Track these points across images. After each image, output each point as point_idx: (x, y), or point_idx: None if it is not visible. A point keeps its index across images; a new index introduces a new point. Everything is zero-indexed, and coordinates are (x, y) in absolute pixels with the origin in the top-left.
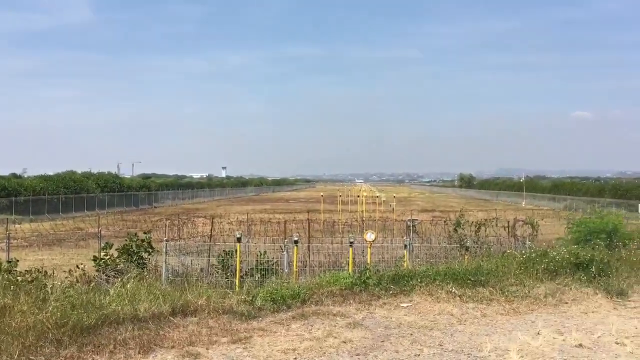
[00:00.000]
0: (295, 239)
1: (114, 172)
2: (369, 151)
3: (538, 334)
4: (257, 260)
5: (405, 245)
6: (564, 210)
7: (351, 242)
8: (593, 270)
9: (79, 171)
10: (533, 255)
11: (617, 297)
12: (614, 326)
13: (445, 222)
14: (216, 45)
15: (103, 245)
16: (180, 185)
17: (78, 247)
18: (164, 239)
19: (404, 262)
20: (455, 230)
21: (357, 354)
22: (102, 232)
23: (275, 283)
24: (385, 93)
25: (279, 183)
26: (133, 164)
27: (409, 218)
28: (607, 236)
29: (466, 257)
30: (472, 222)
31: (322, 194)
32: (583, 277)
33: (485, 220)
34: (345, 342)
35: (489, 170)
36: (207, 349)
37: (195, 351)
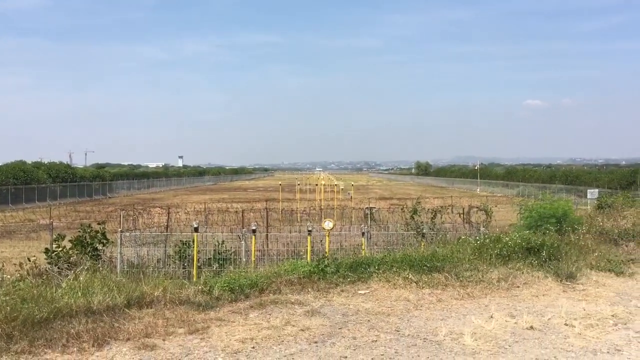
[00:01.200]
0: (254, 228)
1: (65, 162)
2: (328, 140)
3: (491, 317)
4: (215, 250)
5: (363, 233)
6: (516, 196)
7: (309, 231)
8: (544, 254)
9: (29, 161)
10: (487, 241)
11: (566, 280)
12: (563, 308)
13: (402, 209)
14: (171, 32)
15: (55, 237)
16: (136, 175)
17: (29, 239)
18: (119, 229)
19: (362, 249)
20: (412, 217)
21: (315, 342)
22: (54, 223)
23: (233, 273)
24: (345, 82)
25: (237, 172)
26: (86, 153)
27: (367, 206)
28: (557, 221)
29: (423, 244)
30: (429, 209)
31: (280, 182)
32: (534, 261)
33: (441, 207)
34: (303, 330)
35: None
36: (163, 340)
37: (152, 343)
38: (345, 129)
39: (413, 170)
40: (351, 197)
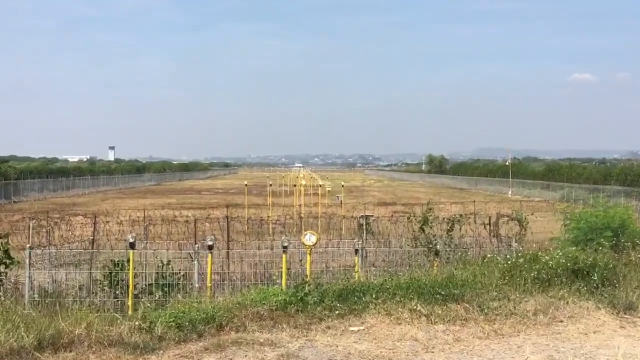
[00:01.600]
0: (210, 243)
1: None
2: (311, 127)
3: None
4: (157, 272)
5: (357, 250)
6: (560, 201)
7: (285, 247)
8: (595, 279)
9: None
10: (520, 260)
11: (624, 313)
12: (620, 350)
13: (409, 218)
14: None
15: None
16: (51, 172)
17: None
18: (27, 245)
19: (355, 272)
20: (422, 229)
21: None
22: None
23: (182, 303)
24: (332, 49)
25: (189, 169)
26: None
27: (362, 214)
28: (614, 235)
29: (435, 264)
30: (444, 218)
31: (246, 182)
32: (583, 287)
33: (461, 215)
34: None
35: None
36: None
37: None
38: (333, 113)
39: (423, 167)
40: (341, 202)
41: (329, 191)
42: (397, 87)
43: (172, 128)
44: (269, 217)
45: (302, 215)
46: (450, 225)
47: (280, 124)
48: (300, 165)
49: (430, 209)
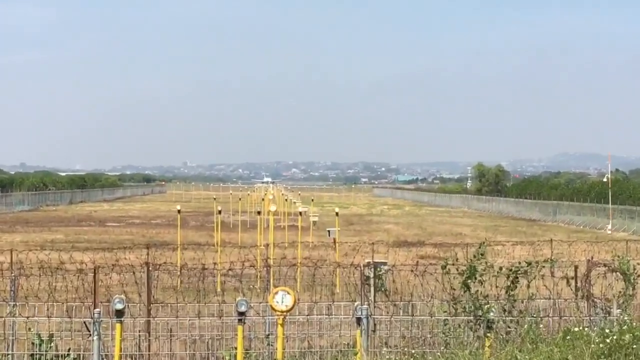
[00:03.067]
0: (120, 306)
1: None
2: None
3: None
4: (32, 355)
5: (360, 320)
6: None
7: (242, 313)
8: None
9: None
10: (626, 337)
11: None
12: None
13: (444, 268)
14: None
15: None
16: None
17: None
18: None
19: (356, 355)
20: (467, 286)
21: None
22: None
23: None
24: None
25: (85, 184)
26: None
27: (369, 261)
28: None
29: (488, 344)
30: (502, 267)
31: (179, 207)
32: None
33: (529, 264)
34: None
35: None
36: None
37: None
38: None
39: (469, 184)
40: (334, 241)
41: (314, 223)
42: (426, 53)
43: (58, 122)
44: (216, 264)
45: (271, 261)
46: (512, 279)
47: (236, 114)
48: (270, 180)
49: (481, 254)
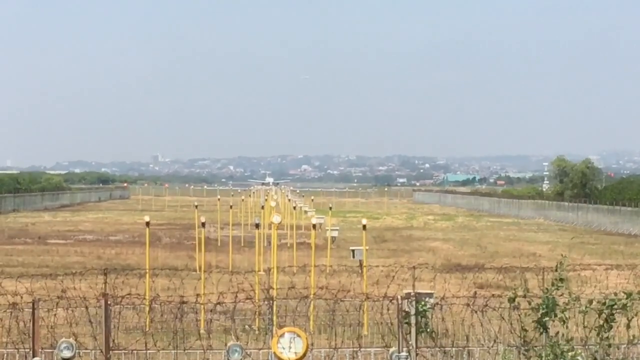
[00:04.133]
0: (67, 353)
1: None
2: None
3: None
4: None
5: None
6: None
7: None
8: None
9: None
10: None
11: None
12: None
13: (512, 301)
14: None
15: None
16: None
17: None
18: None
19: None
20: (542, 325)
21: None
22: None
23: None
24: None
25: (19, 187)
26: None
27: (408, 291)
28: None
29: None
30: (592, 300)
31: (147, 218)
32: None
33: (629, 295)
34: None
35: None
36: None
37: None
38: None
39: (545, 186)
40: (361, 264)
41: (333, 239)
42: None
43: None
44: (199, 296)
45: (275, 292)
46: (606, 317)
47: (224, 94)
48: (271, 180)
49: (562, 280)
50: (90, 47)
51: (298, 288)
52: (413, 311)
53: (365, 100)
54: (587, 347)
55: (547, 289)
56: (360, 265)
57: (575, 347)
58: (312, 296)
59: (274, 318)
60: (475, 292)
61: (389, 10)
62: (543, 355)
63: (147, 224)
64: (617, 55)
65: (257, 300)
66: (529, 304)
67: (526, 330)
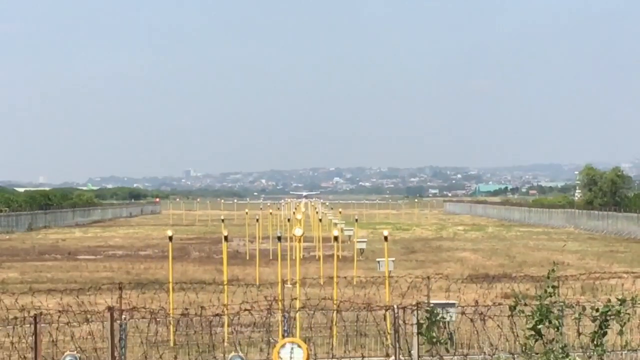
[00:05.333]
0: None
1: None
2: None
3: None
4: None
5: None
6: None
7: None
8: None
9: None
10: None
11: None
12: None
13: (513, 309)
14: None
15: None
16: None
17: None
18: None
19: None
20: (537, 332)
21: None
22: None
23: None
24: None
25: (50, 203)
26: None
27: (425, 301)
28: None
29: None
30: (586, 307)
31: (170, 232)
32: None
33: (622, 301)
34: None
35: None
36: None
37: None
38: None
39: (577, 195)
40: (387, 276)
41: (361, 251)
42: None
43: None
44: (225, 307)
45: (298, 302)
46: (599, 323)
47: (257, 107)
48: (305, 193)
49: (554, 287)
50: (122, 63)
51: (325, 300)
52: (415, 321)
53: (397, 111)
54: (585, 352)
55: (540, 296)
56: (387, 275)
57: (570, 352)
58: (336, 306)
59: (295, 327)
60: (504, 297)
61: (418, 20)
62: None
63: (170, 238)
64: None
65: (281, 308)
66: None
67: (527, 338)
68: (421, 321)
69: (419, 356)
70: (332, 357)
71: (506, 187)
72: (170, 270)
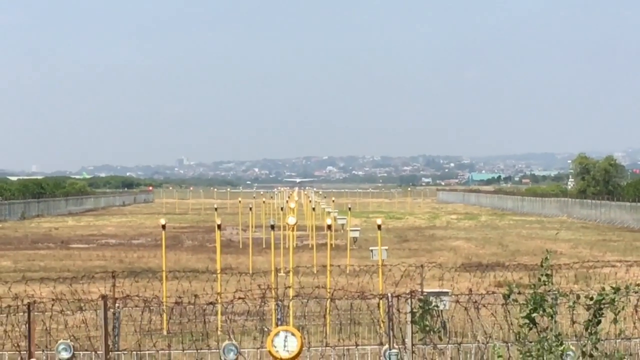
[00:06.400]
0: (65, 355)
1: None
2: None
3: None
4: None
5: None
6: None
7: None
8: None
9: None
10: None
11: None
12: None
13: (507, 297)
14: None
15: None
16: None
17: None
18: None
19: None
20: (531, 321)
21: None
22: None
23: None
24: None
25: (43, 192)
26: None
27: (419, 290)
28: None
29: None
30: (580, 295)
31: (163, 221)
32: None
33: (616, 290)
34: None
35: None
36: None
37: None
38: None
39: (570, 184)
40: (380, 263)
41: (354, 240)
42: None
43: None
44: (219, 295)
45: (291, 291)
46: (594, 311)
47: (248, 95)
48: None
49: (548, 275)
50: (116, 53)
51: (317, 288)
52: (408, 309)
53: (389, 100)
54: (579, 341)
55: (534, 285)
56: (379, 264)
57: (565, 341)
58: (329, 294)
59: (288, 315)
60: (496, 287)
61: (410, 11)
62: (533, 350)
63: (163, 226)
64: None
65: (274, 296)
66: (527, 297)
67: (521, 327)
68: (415, 310)
69: (412, 344)
70: (326, 346)
71: (499, 176)
72: (163, 258)
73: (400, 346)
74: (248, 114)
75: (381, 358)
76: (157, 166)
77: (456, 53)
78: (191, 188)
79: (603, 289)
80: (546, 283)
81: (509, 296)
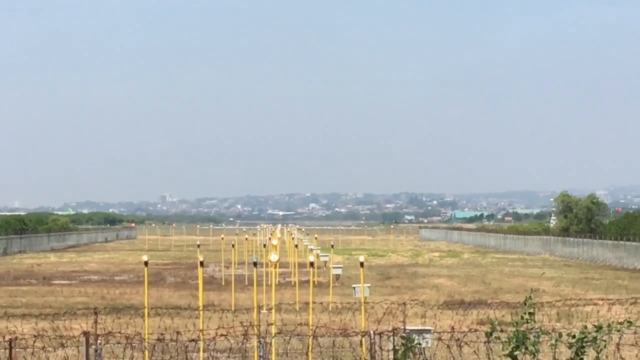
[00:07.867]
0: None
1: None
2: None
3: None
4: None
5: None
6: None
7: None
8: None
9: None
10: None
11: None
12: None
13: (489, 335)
14: None
15: None
16: None
17: None
18: None
19: None
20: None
21: None
22: None
23: None
24: None
25: (25, 228)
26: None
27: (402, 327)
28: None
29: None
30: (562, 333)
31: (146, 258)
32: None
33: (598, 328)
34: None
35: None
36: None
37: None
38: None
39: (552, 222)
40: (362, 300)
41: (337, 277)
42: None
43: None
44: (201, 332)
45: (274, 328)
46: (576, 349)
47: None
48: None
49: (531, 314)
50: (97, 87)
51: (300, 326)
52: (391, 347)
53: (372, 138)
54: None
55: (516, 322)
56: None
57: None
58: (311, 332)
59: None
60: (478, 325)
61: (394, 48)
62: None
63: (146, 263)
64: (629, 90)
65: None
66: (510, 336)
67: None
68: (397, 347)
69: None
70: None
71: (482, 214)
72: (145, 295)
73: None
74: (231, 151)
75: None
76: (140, 203)
77: (440, 91)
78: (174, 225)
79: (585, 327)
80: (528, 321)
81: (491, 334)
